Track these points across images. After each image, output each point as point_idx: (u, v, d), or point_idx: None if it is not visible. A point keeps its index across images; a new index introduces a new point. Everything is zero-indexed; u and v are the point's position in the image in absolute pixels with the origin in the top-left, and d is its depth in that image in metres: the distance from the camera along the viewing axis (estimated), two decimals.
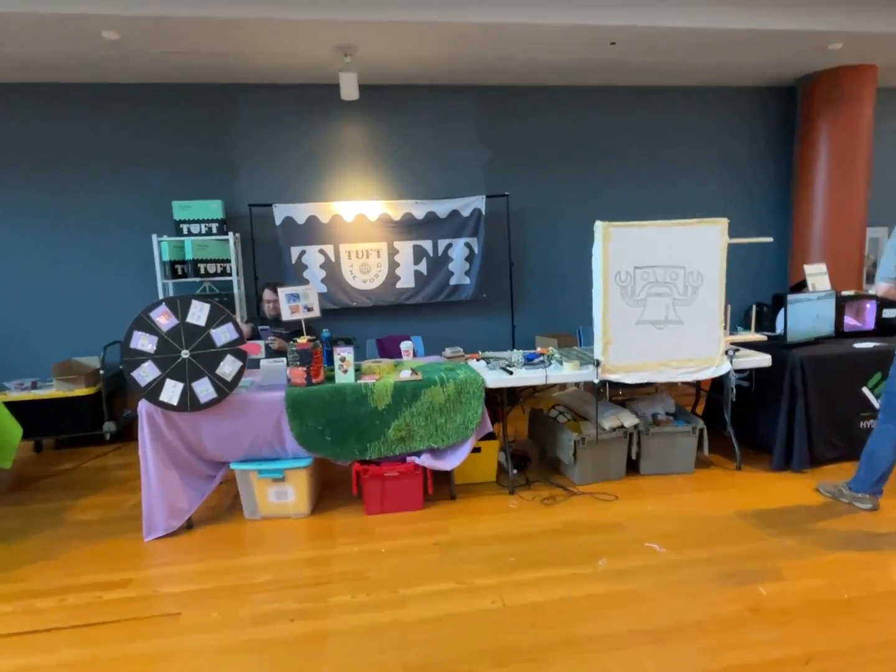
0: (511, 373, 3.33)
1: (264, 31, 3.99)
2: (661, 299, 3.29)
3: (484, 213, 5.22)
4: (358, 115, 5.17)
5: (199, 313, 2.91)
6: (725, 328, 3.48)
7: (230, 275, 4.85)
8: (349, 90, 4.31)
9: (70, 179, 4.91)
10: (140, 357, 2.88)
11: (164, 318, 2.89)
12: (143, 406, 2.99)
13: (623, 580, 2.49)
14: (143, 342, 2.88)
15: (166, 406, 2.93)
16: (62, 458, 4.47)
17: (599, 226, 3.19)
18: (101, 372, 4.62)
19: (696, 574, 2.51)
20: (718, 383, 3.66)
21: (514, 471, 3.51)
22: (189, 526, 3.11)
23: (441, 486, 3.40)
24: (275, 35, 4.04)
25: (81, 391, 4.61)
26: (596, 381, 3.28)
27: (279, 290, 3.28)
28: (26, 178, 4.86)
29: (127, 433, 4.87)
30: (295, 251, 5.05)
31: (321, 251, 5.08)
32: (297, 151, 5.14)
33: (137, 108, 4.93)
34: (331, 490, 3.54)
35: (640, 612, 2.26)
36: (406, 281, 5.21)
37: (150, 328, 2.88)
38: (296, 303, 3.19)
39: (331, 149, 5.19)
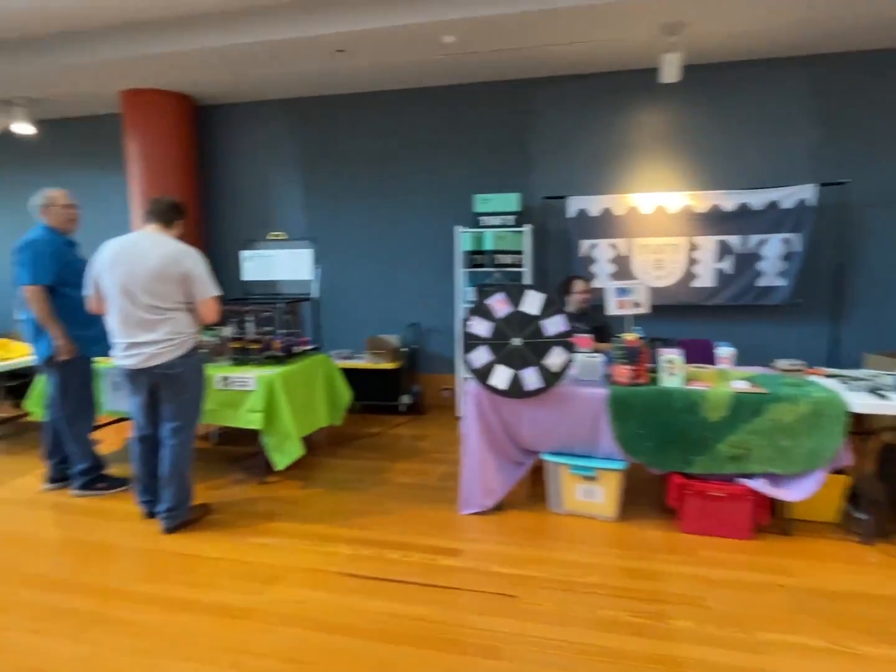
0: (885, 397, 2.73)
1: (591, 18, 3.89)
2: None
3: (811, 204, 4.45)
4: (664, 100, 4.83)
5: (532, 302, 2.95)
6: None
7: (521, 266, 4.94)
8: (671, 72, 4.00)
9: (386, 176, 5.51)
10: (476, 341, 3.03)
11: (500, 306, 2.98)
12: (472, 387, 3.14)
13: None
14: (479, 327, 3.02)
15: (495, 390, 3.03)
16: (368, 423, 5.07)
17: None
18: (405, 349, 5.12)
19: None
20: None
21: (868, 516, 2.89)
22: (498, 508, 3.21)
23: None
24: (601, 20, 3.93)
25: (386, 365, 5.18)
26: None
27: (608, 284, 3.17)
28: (352, 177, 5.59)
29: (415, 407, 5.33)
30: (585, 244, 4.94)
31: (612, 245, 4.89)
32: (593, 142, 5.01)
33: (445, 109, 5.30)
34: (630, 496, 3.34)
35: None
36: (705, 280, 4.73)
37: (487, 314, 3.01)
38: (624, 297, 3.04)
39: (631, 138, 4.94)
